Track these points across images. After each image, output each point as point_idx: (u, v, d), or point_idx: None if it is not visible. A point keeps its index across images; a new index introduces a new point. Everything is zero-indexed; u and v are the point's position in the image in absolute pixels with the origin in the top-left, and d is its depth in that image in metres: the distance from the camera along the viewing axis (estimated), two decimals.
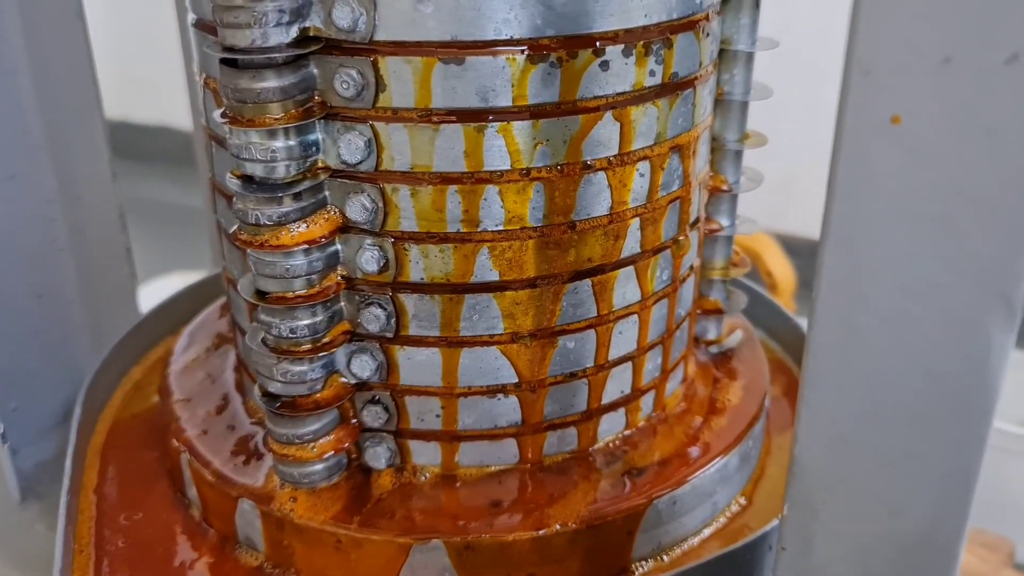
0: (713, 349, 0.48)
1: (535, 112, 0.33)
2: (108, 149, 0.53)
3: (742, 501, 0.42)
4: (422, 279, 0.36)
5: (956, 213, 0.21)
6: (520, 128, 0.33)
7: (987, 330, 0.22)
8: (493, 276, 0.36)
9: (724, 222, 0.45)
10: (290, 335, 0.36)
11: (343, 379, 0.38)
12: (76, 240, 0.52)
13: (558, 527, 0.37)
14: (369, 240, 0.35)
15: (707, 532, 0.40)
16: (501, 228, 0.35)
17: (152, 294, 0.62)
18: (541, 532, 0.36)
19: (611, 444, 0.41)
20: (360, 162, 0.34)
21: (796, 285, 1.10)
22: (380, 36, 0.32)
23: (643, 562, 0.38)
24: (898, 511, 0.25)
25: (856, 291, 0.23)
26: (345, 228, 0.35)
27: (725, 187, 0.44)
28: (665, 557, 0.39)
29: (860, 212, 0.22)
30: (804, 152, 1.13)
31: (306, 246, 0.35)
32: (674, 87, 0.36)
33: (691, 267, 0.42)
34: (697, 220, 0.42)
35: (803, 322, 0.46)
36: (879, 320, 0.23)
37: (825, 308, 0.24)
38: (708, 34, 0.37)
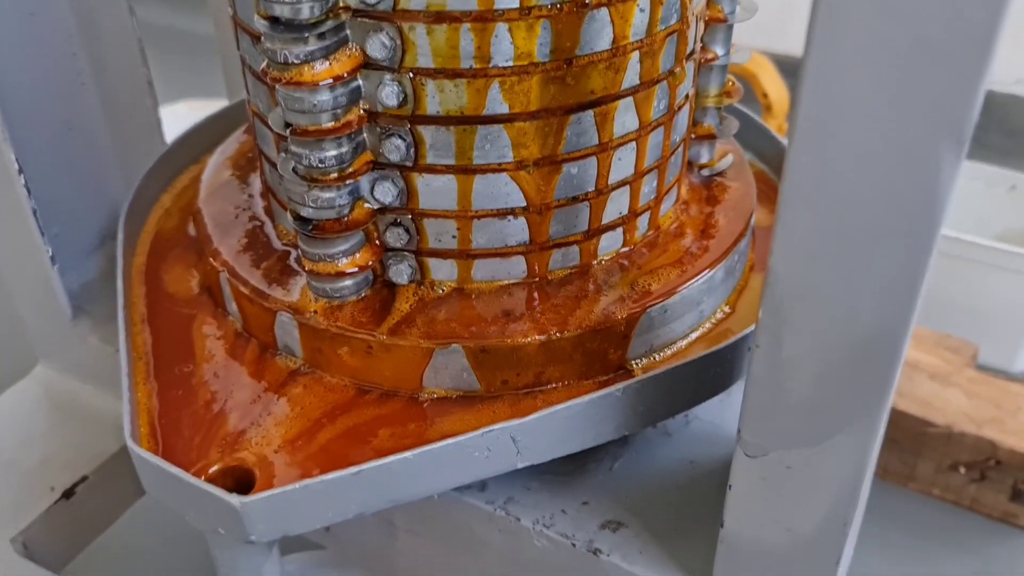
0: (705, 172, 0.52)
1: None
2: None
3: (726, 309, 0.47)
4: (438, 112, 0.39)
5: (915, 58, 0.25)
6: None
7: (938, 158, 0.26)
8: (503, 109, 0.39)
9: (719, 51, 0.48)
10: (319, 164, 0.39)
11: (367, 204, 0.41)
12: (98, 74, 0.54)
13: (562, 332, 0.42)
14: (388, 76, 0.38)
15: (694, 336, 0.45)
16: (511, 64, 0.37)
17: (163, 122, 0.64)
18: (547, 336, 0.41)
19: (610, 260, 0.45)
20: (379, 2, 0.36)
21: (791, 105, 1.11)
22: None
23: (637, 361, 0.43)
24: (855, 313, 0.30)
25: (828, 125, 0.27)
26: (366, 65, 0.38)
27: (721, 17, 0.46)
28: (657, 356, 0.44)
29: (833, 56, 0.25)
30: None
31: (331, 82, 0.37)
32: None
33: (686, 96, 0.45)
34: (693, 51, 0.44)
35: None
36: (846, 149, 0.27)
37: (800, 140, 0.27)
38: None
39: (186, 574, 0.67)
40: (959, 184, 0.27)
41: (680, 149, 0.47)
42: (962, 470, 0.76)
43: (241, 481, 0.39)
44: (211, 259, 0.47)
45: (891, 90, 0.25)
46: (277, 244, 0.47)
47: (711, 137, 0.51)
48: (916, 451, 0.77)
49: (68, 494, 0.51)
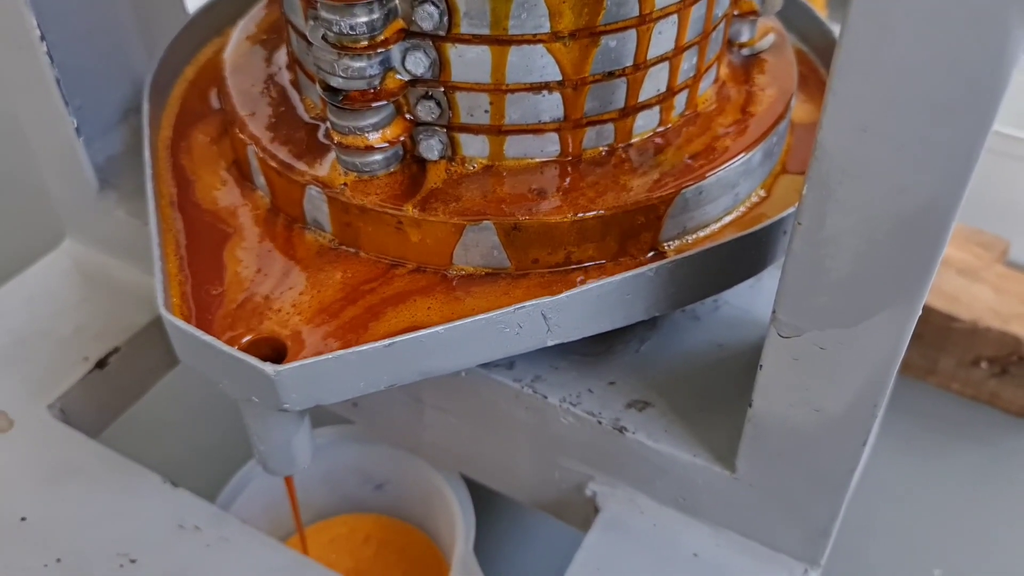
0: (745, 51, 0.50)
1: None
2: None
3: (761, 193, 0.46)
4: None
5: None
6: None
7: (1007, 23, 0.25)
8: None
9: None
10: (349, 32, 0.38)
11: (399, 76, 0.40)
12: None
13: (595, 212, 0.41)
14: None
15: (728, 219, 0.45)
16: None
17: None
18: (580, 215, 0.41)
19: (645, 139, 0.44)
20: None
21: None
22: None
23: (670, 243, 0.43)
24: (903, 189, 0.29)
25: None
26: None
27: None
28: (689, 239, 0.43)
29: None
30: None
31: None
32: None
33: None
34: None
35: (836, 29, 0.48)
36: (909, 15, 0.26)
37: (860, 3, 0.26)
38: None
39: (219, 442, 0.68)
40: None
41: (721, 25, 0.45)
42: (984, 365, 0.76)
43: (272, 352, 0.40)
44: (238, 132, 0.46)
45: None
46: (304, 118, 0.47)
47: (753, 14, 0.49)
48: (939, 346, 0.77)
49: (101, 364, 0.52)
